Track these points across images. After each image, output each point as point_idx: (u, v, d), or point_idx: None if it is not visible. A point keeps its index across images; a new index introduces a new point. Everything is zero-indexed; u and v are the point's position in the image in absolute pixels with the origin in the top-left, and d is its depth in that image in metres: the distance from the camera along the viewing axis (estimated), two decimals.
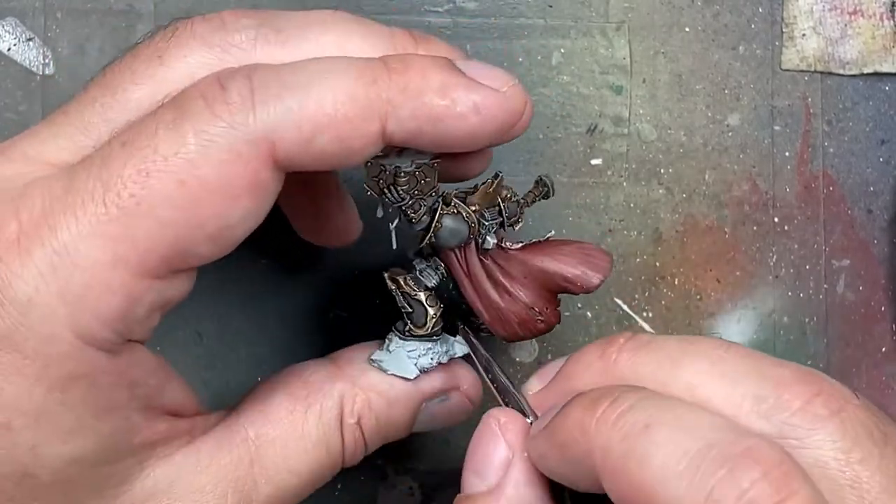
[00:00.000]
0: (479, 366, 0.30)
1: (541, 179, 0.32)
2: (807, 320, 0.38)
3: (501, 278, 0.30)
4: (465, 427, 0.38)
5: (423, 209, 0.28)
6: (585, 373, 0.26)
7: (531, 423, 0.27)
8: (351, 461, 0.30)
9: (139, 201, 0.23)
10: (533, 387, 0.27)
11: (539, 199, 0.32)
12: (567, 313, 0.38)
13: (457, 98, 0.25)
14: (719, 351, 0.24)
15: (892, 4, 0.38)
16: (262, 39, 0.26)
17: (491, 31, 0.38)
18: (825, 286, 0.39)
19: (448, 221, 0.29)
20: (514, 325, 0.30)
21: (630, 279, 0.38)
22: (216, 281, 0.38)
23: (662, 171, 0.38)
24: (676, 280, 0.39)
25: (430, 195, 0.28)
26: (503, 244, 0.30)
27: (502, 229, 0.31)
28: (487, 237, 0.30)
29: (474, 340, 0.31)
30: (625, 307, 0.38)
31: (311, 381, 0.29)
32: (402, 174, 0.27)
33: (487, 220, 0.30)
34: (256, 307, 0.38)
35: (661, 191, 0.39)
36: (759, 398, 0.23)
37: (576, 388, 0.25)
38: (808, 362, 0.38)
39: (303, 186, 0.32)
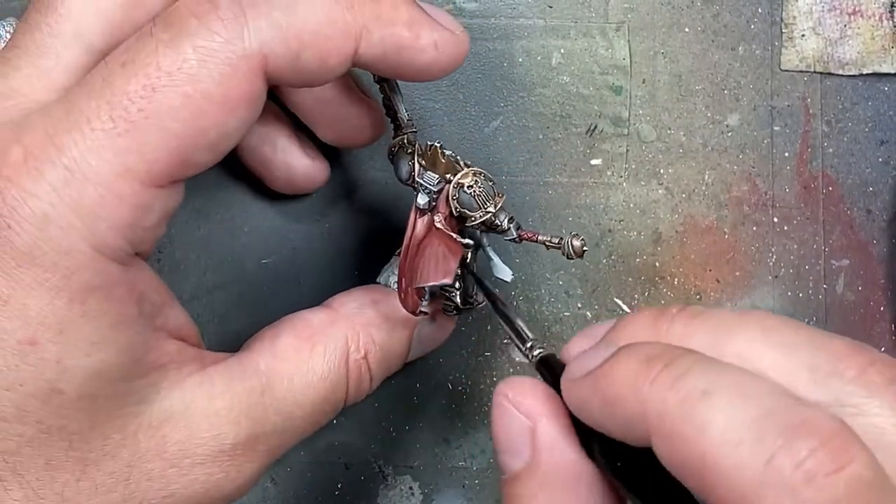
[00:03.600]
0: (488, 297, 0.32)
1: (564, 242, 0.32)
2: (806, 320, 0.38)
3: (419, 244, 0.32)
4: (464, 427, 0.38)
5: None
6: (637, 340, 0.26)
7: (537, 356, 0.28)
8: (356, 396, 0.32)
9: (147, 115, 0.24)
10: (577, 346, 0.27)
11: (547, 247, 0.32)
12: (567, 313, 0.38)
13: (421, 33, 0.28)
14: (772, 321, 0.24)
15: (892, 5, 0.38)
16: None
17: (491, 32, 0.38)
18: (824, 286, 0.39)
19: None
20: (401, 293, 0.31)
21: (630, 279, 0.38)
22: (216, 281, 0.38)
23: (662, 171, 0.39)
24: (676, 280, 0.39)
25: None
26: (435, 216, 0.32)
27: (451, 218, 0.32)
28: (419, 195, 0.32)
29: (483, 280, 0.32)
30: (625, 307, 0.39)
31: (314, 324, 0.31)
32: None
33: (426, 183, 0.32)
34: (256, 307, 0.38)
35: (660, 191, 0.39)
36: (813, 367, 0.23)
37: None
38: None
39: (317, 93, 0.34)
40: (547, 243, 0.31)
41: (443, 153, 0.31)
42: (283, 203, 0.37)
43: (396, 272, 0.32)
